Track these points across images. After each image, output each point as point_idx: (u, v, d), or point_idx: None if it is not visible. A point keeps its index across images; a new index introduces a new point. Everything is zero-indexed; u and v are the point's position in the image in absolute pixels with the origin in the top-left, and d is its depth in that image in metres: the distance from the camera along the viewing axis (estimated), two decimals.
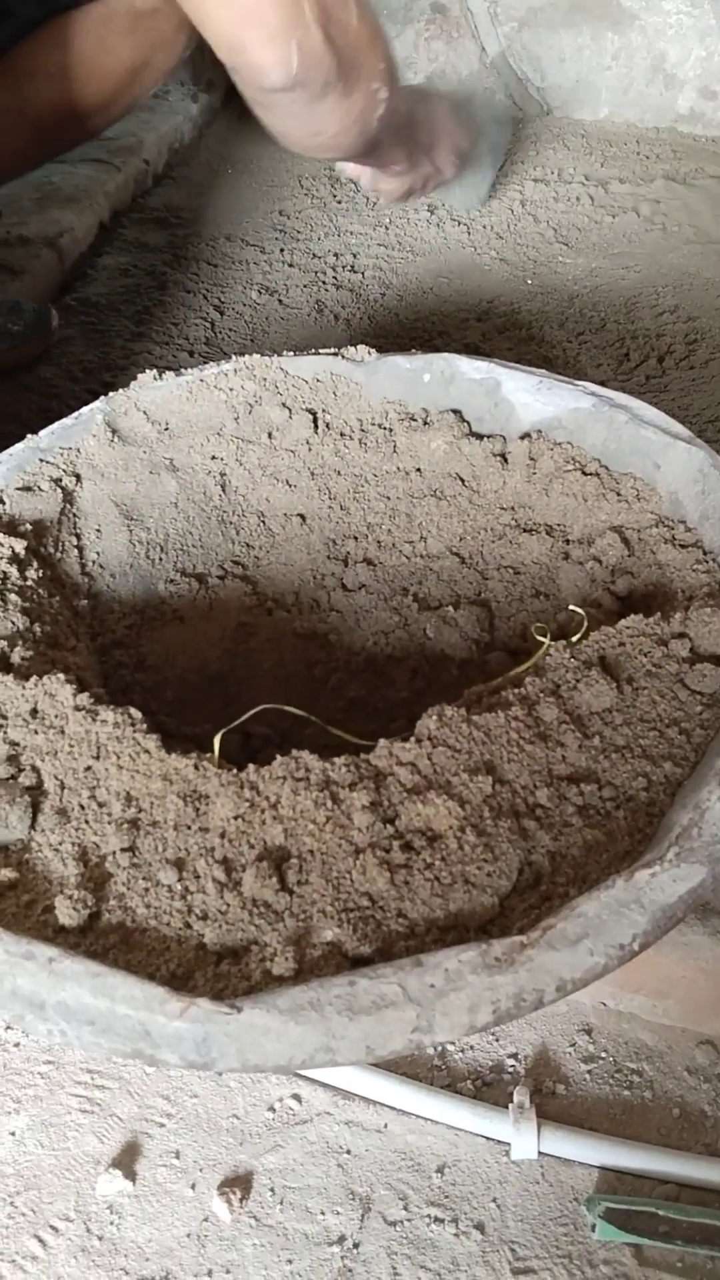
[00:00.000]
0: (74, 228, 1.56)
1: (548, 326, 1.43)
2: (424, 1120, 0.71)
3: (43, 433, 0.86)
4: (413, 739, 0.62)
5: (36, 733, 0.63)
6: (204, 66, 1.95)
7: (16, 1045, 0.75)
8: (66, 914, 0.55)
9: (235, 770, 0.60)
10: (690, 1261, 0.64)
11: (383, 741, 0.62)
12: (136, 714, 0.63)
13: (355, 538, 0.91)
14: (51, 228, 1.54)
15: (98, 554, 0.85)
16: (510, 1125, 0.69)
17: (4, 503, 0.81)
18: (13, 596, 0.73)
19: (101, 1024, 0.50)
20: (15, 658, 0.69)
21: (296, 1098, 0.72)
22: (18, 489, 0.82)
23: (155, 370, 0.91)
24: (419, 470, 0.91)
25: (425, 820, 0.58)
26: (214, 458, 0.90)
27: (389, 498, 0.91)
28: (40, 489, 0.83)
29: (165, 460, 0.89)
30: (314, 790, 0.58)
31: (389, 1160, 0.70)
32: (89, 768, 0.61)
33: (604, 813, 0.60)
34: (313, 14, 0.75)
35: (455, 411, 0.91)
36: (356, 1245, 0.66)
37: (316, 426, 0.91)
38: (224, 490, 0.90)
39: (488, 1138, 0.70)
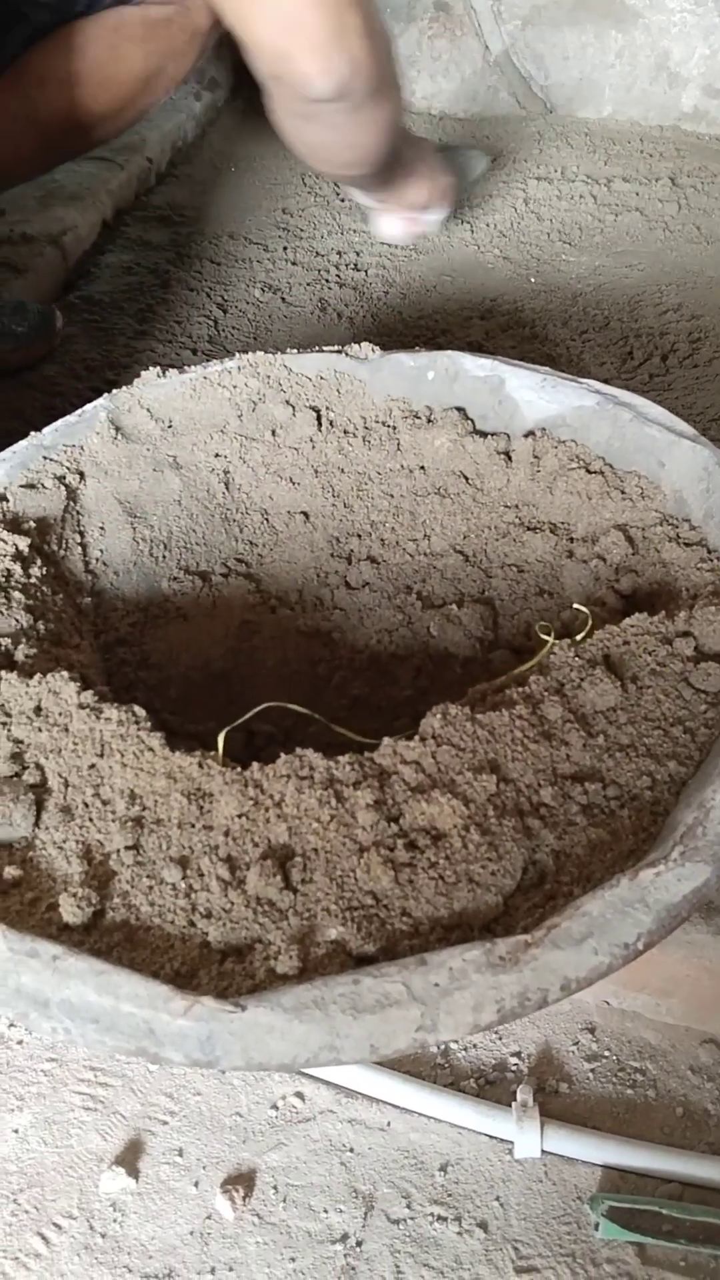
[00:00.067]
0: (77, 225, 1.56)
1: (551, 325, 1.43)
2: (427, 1118, 0.71)
3: (46, 430, 0.86)
4: (417, 737, 0.62)
5: (40, 730, 0.63)
6: (207, 64, 1.95)
7: (20, 1043, 0.75)
8: (70, 912, 0.55)
9: (239, 768, 0.60)
10: (693, 1260, 0.64)
11: (387, 740, 0.62)
12: (140, 712, 0.63)
13: (359, 535, 0.91)
14: (55, 225, 1.54)
15: (101, 551, 0.85)
16: (513, 1124, 0.69)
17: (8, 500, 0.81)
18: (16, 594, 0.73)
19: (105, 1022, 0.50)
20: (19, 655, 0.69)
21: (300, 1096, 0.72)
22: (21, 486, 0.82)
23: (159, 368, 0.91)
24: (423, 468, 0.90)
25: (429, 819, 0.58)
26: (217, 455, 0.90)
27: (392, 495, 0.91)
28: (44, 486, 0.83)
29: (169, 458, 0.89)
30: (318, 789, 0.58)
31: (392, 1158, 0.70)
32: (93, 765, 0.61)
33: (608, 812, 0.60)
34: (356, 23, 0.74)
35: (459, 409, 0.91)
36: (359, 1243, 0.66)
37: (320, 424, 0.91)
38: (227, 488, 0.90)
39: (491, 1136, 0.70)
